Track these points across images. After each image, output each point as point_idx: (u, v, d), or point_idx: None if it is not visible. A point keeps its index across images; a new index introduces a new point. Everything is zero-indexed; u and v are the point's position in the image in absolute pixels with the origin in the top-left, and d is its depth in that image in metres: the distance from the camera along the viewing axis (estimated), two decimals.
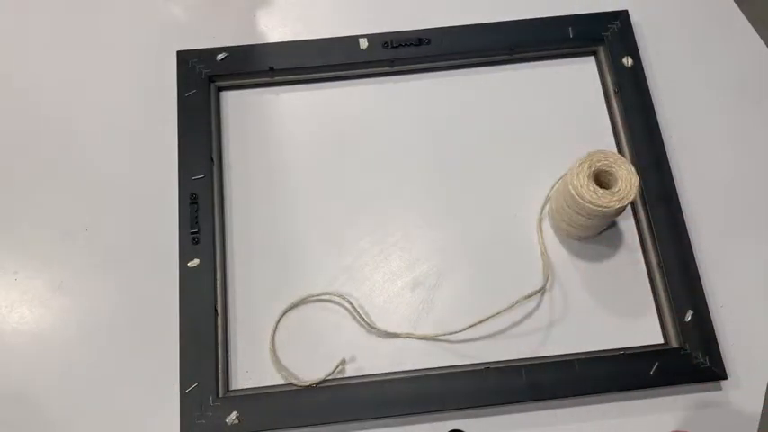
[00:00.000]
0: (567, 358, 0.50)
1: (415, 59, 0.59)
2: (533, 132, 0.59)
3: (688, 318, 0.51)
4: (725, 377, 0.50)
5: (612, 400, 0.50)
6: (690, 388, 0.51)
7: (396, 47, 0.59)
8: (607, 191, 0.47)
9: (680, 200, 0.54)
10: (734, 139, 0.58)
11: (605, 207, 0.46)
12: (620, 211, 0.48)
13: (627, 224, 0.55)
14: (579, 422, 0.50)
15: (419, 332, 0.52)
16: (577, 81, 0.61)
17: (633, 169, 0.47)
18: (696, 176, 0.57)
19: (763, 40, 0.61)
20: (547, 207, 0.55)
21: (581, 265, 0.54)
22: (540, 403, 0.50)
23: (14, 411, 0.50)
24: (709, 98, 0.60)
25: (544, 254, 0.53)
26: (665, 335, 0.52)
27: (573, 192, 0.47)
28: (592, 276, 0.54)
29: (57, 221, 0.55)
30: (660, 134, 0.57)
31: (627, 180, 0.47)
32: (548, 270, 0.53)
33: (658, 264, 0.53)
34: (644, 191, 0.55)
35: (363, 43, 0.59)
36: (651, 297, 0.53)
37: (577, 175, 0.48)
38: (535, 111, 0.59)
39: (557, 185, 0.54)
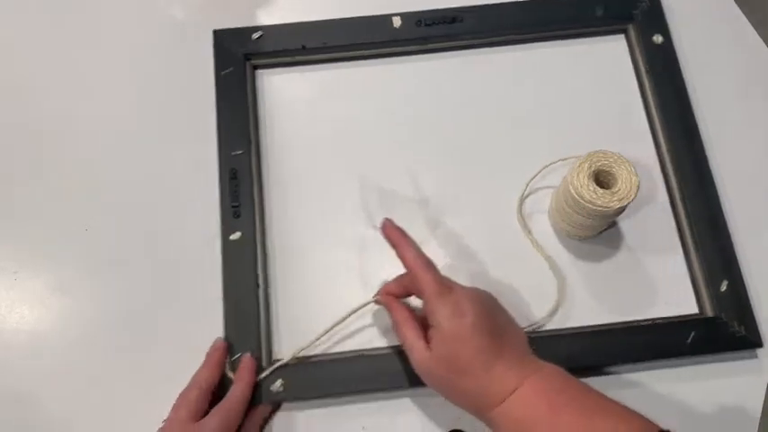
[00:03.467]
0: (606, 328, 0.51)
1: (448, 37, 0.60)
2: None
3: (723, 288, 0.52)
4: (761, 345, 0.50)
5: (651, 369, 0.51)
6: (726, 356, 0.51)
7: (428, 25, 0.59)
8: (607, 191, 0.47)
9: (712, 173, 0.55)
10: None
11: (605, 207, 0.47)
12: (620, 211, 0.48)
13: (627, 224, 0.55)
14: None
15: None
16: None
17: (633, 169, 0.48)
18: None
19: None
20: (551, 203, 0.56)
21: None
22: (578, 372, 0.50)
23: (14, 411, 0.50)
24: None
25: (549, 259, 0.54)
26: (699, 305, 0.53)
27: (573, 192, 0.48)
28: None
29: (57, 221, 0.55)
30: (692, 109, 0.57)
31: (627, 180, 0.47)
32: (562, 282, 0.53)
33: (692, 236, 0.54)
34: (677, 165, 0.55)
35: (396, 21, 0.60)
36: (685, 268, 0.54)
37: (577, 174, 0.48)
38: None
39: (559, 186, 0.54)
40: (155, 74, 0.60)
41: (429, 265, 0.45)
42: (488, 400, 0.41)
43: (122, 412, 0.49)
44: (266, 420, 0.49)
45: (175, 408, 0.45)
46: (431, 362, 0.42)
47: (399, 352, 0.50)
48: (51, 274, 0.54)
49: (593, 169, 0.48)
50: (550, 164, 0.56)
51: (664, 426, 0.38)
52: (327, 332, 0.49)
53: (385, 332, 0.52)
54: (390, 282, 0.49)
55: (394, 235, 0.46)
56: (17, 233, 0.55)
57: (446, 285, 0.44)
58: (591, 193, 0.47)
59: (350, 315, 0.49)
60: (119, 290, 0.53)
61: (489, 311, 0.44)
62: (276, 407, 0.50)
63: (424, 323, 0.45)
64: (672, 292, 0.53)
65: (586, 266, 0.54)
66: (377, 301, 0.49)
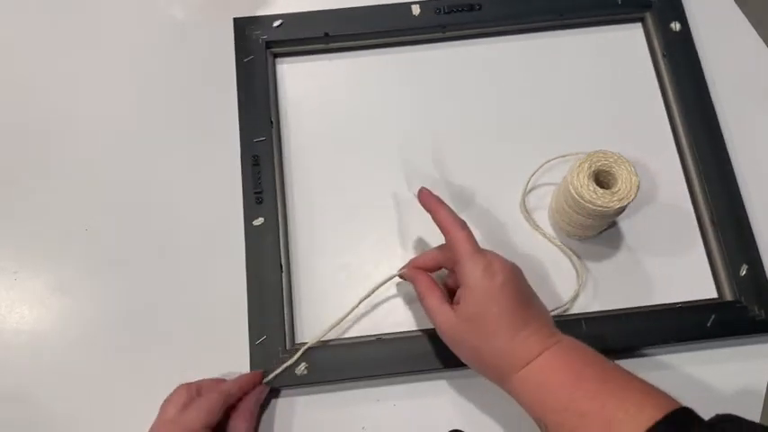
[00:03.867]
0: (626, 312, 0.52)
1: (466, 25, 0.60)
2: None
3: (743, 272, 0.52)
4: None
5: (671, 352, 0.51)
6: (745, 340, 0.51)
7: (447, 12, 0.60)
8: (607, 191, 0.47)
9: (731, 158, 0.55)
10: None
11: (605, 207, 0.47)
12: (621, 211, 0.48)
13: (627, 224, 0.55)
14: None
15: None
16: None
17: (633, 169, 0.48)
18: (747, 135, 0.57)
19: None
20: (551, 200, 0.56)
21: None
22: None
23: (14, 411, 0.50)
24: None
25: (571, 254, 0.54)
26: (719, 290, 0.53)
27: (573, 192, 0.48)
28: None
29: (57, 221, 0.55)
30: (710, 96, 0.58)
31: (627, 180, 0.48)
32: (583, 271, 0.54)
33: (711, 220, 0.54)
34: (696, 150, 0.56)
35: (416, 9, 0.60)
36: (703, 253, 0.54)
37: (577, 174, 0.48)
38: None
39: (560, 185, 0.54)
40: (169, 66, 0.61)
41: (464, 226, 0.45)
42: (511, 364, 0.41)
43: (122, 412, 0.49)
44: (263, 404, 0.49)
45: (199, 411, 0.44)
46: (457, 324, 0.43)
47: (420, 337, 0.50)
48: (51, 274, 0.54)
49: (593, 169, 0.48)
50: (548, 161, 0.56)
51: (684, 404, 0.38)
52: (354, 309, 0.50)
53: (407, 317, 0.52)
54: (418, 256, 0.50)
55: (431, 201, 0.47)
56: (17, 233, 0.55)
57: (479, 247, 0.44)
58: (591, 193, 0.47)
59: (375, 290, 0.50)
60: (119, 290, 0.53)
61: (519, 278, 0.44)
62: (276, 393, 0.50)
63: (448, 292, 0.46)
64: (688, 280, 0.54)
65: (587, 266, 0.54)
66: (401, 276, 0.50)
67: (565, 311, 0.52)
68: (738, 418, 0.36)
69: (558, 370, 0.40)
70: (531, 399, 0.41)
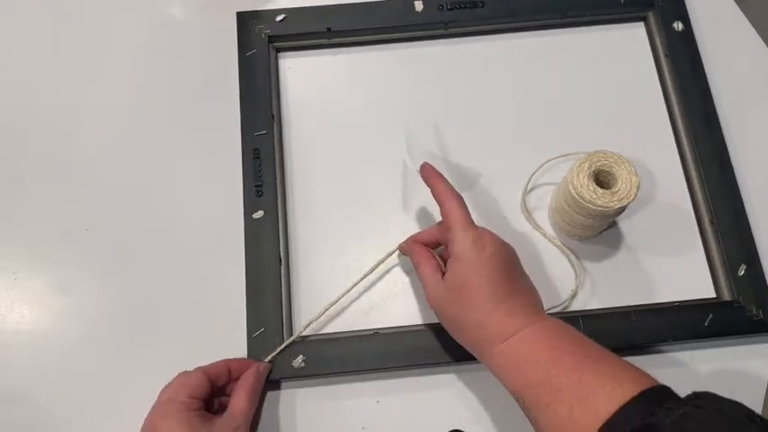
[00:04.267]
0: (624, 310, 0.52)
1: (468, 22, 0.61)
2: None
3: (741, 272, 0.52)
4: None
5: (669, 351, 0.51)
6: (743, 340, 0.52)
7: (450, 9, 0.60)
8: (607, 191, 0.47)
9: (731, 157, 0.56)
10: None
11: (605, 207, 0.47)
12: (621, 211, 0.48)
13: (627, 224, 0.55)
14: None
15: None
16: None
17: (633, 169, 0.48)
18: (748, 135, 0.58)
19: None
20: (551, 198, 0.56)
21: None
22: None
23: (14, 411, 0.50)
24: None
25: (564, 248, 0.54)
26: (717, 289, 0.53)
27: (573, 192, 0.48)
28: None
29: (57, 221, 0.55)
30: (711, 95, 0.58)
31: (627, 180, 0.48)
32: (581, 271, 0.54)
33: (710, 221, 0.54)
34: (696, 150, 0.56)
35: (419, 5, 0.60)
36: (702, 253, 0.54)
37: (577, 174, 0.48)
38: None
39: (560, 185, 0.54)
40: (171, 61, 0.61)
41: (460, 198, 0.46)
42: (490, 337, 0.42)
43: (122, 412, 0.48)
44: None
45: (174, 384, 0.45)
46: (443, 293, 0.44)
47: (420, 331, 0.51)
48: (51, 274, 0.54)
49: (593, 169, 0.48)
50: (548, 161, 0.56)
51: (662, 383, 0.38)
52: (355, 285, 0.51)
53: (406, 311, 0.52)
54: (417, 233, 0.51)
55: (431, 174, 0.48)
56: (17, 233, 0.55)
57: (472, 221, 0.45)
58: (591, 193, 0.47)
59: (378, 266, 0.51)
60: (119, 289, 0.53)
61: (509, 256, 0.45)
62: (274, 386, 0.50)
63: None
64: (686, 280, 0.53)
65: (587, 266, 0.54)
66: (401, 249, 0.51)
67: (564, 309, 0.52)
68: (714, 394, 0.36)
69: (538, 346, 0.40)
70: (509, 373, 0.41)
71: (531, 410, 0.39)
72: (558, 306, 0.52)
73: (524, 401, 0.40)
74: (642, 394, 0.35)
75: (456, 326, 0.45)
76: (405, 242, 0.51)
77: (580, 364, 0.38)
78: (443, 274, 0.45)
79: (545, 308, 0.51)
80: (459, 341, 0.45)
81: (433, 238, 0.49)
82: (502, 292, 0.43)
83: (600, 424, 0.34)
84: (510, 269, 0.44)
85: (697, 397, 0.35)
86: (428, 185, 0.48)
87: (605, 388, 0.36)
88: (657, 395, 0.36)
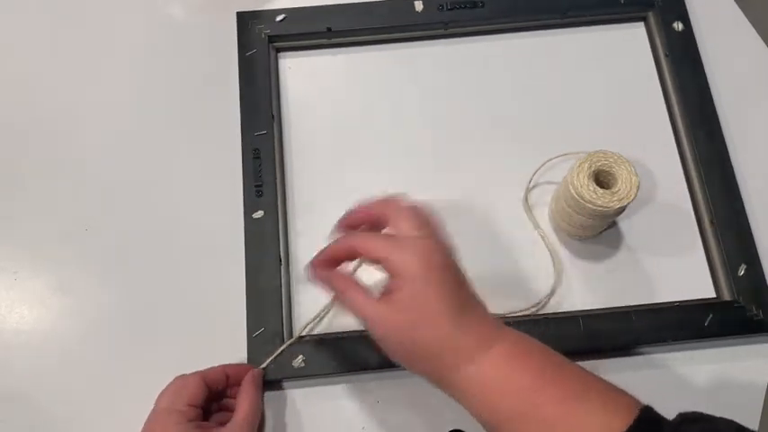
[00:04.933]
0: (624, 310, 0.52)
1: (469, 22, 0.61)
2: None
3: (741, 272, 0.52)
4: None
5: (668, 351, 0.51)
6: (743, 340, 0.52)
7: (450, 9, 0.60)
8: (607, 191, 0.47)
9: (731, 158, 0.56)
10: None
11: (605, 207, 0.47)
12: (621, 211, 0.48)
13: (627, 224, 0.55)
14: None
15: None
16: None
17: (633, 169, 0.48)
18: (748, 136, 0.58)
19: None
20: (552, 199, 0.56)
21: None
22: (594, 353, 0.51)
23: (15, 411, 0.50)
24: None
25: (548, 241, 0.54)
26: (717, 289, 0.53)
27: (573, 192, 0.48)
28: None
29: (57, 221, 0.55)
30: (711, 95, 0.58)
31: (627, 180, 0.48)
32: (559, 266, 0.54)
33: (710, 221, 0.54)
34: (696, 150, 0.56)
35: (418, 5, 0.60)
36: (702, 253, 0.54)
37: (577, 174, 0.48)
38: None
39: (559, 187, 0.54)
40: (171, 61, 0.60)
41: (400, 204, 0.41)
42: (456, 360, 0.36)
43: (122, 412, 0.48)
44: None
45: (166, 391, 0.44)
46: (391, 315, 0.37)
47: None
48: (51, 274, 0.54)
49: (593, 169, 0.48)
50: (549, 160, 0.56)
51: (681, 404, 0.36)
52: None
53: None
54: (343, 218, 0.44)
55: (330, 277, 0.42)
56: (17, 233, 0.55)
57: (418, 228, 0.40)
58: (591, 193, 0.47)
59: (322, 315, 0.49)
60: (119, 289, 0.53)
61: (454, 261, 0.40)
62: (275, 386, 0.50)
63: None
64: (686, 280, 0.53)
65: (587, 266, 0.54)
66: (316, 279, 0.43)
67: (537, 311, 0.52)
68: (702, 415, 0.34)
69: (515, 370, 0.36)
70: (480, 402, 0.36)
71: None
72: (532, 308, 0.52)
73: None
74: (636, 422, 0.33)
75: (409, 350, 0.38)
76: (314, 266, 0.43)
77: (564, 393, 0.35)
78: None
79: (524, 307, 0.52)
80: (413, 370, 0.39)
81: (368, 220, 0.42)
82: (457, 306, 0.37)
83: None
84: (460, 276, 0.39)
85: (686, 419, 0.33)
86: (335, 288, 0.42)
87: (597, 420, 0.33)
88: (648, 421, 0.33)
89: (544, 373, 0.36)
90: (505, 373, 0.36)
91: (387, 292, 0.38)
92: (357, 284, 0.40)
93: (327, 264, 0.42)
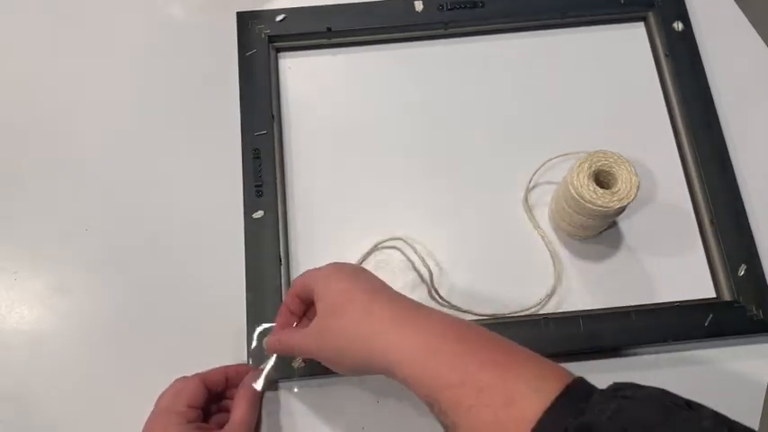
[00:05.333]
0: (624, 310, 0.52)
1: (468, 22, 0.61)
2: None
3: (741, 272, 0.52)
4: None
5: (668, 351, 0.51)
6: (743, 340, 0.51)
7: (450, 9, 0.60)
8: (607, 191, 0.47)
9: (731, 158, 0.56)
10: None
11: (605, 207, 0.47)
12: (621, 211, 0.48)
13: (627, 224, 0.55)
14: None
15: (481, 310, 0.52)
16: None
17: (633, 169, 0.48)
18: (748, 136, 0.58)
19: None
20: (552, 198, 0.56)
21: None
22: (596, 353, 0.51)
23: (15, 411, 0.50)
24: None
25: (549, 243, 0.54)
26: (717, 289, 0.53)
27: (573, 192, 0.48)
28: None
29: (57, 221, 0.55)
30: (711, 95, 0.58)
31: (627, 180, 0.48)
32: (559, 267, 0.54)
33: (710, 221, 0.54)
34: (696, 150, 0.56)
35: (418, 5, 0.60)
36: (702, 253, 0.54)
37: (577, 174, 0.48)
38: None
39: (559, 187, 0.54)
40: (171, 61, 0.61)
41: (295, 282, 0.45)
42: (382, 332, 0.38)
43: (122, 412, 0.49)
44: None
45: (168, 392, 0.45)
46: (318, 334, 0.41)
47: None
48: (51, 274, 0.54)
49: (593, 169, 0.48)
50: (549, 160, 0.56)
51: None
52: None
53: None
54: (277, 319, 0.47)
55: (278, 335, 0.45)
56: (17, 233, 0.55)
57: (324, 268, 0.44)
58: (591, 193, 0.47)
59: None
60: (119, 289, 0.53)
61: (366, 273, 0.43)
62: (274, 386, 0.50)
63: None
64: (687, 280, 0.53)
65: (587, 266, 0.54)
66: (272, 350, 0.47)
67: (537, 311, 0.52)
68: (636, 384, 0.34)
69: (449, 337, 0.37)
70: (421, 377, 0.36)
71: (450, 415, 0.35)
72: (532, 308, 0.52)
73: (440, 405, 0.35)
74: (567, 390, 0.33)
75: (339, 347, 0.40)
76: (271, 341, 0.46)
77: (501, 358, 0.35)
78: None
79: (524, 307, 0.52)
80: (349, 364, 0.41)
81: (296, 305, 0.46)
82: (373, 291, 0.40)
83: (530, 426, 0.31)
84: (374, 278, 0.43)
85: (620, 388, 0.33)
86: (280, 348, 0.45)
87: (530, 385, 0.33)
88: (581, 389, 0.33)
89: (477, 340, 0.37)
90: (441, 342, 0.36)
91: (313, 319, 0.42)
92: (288, 327, 0.46)
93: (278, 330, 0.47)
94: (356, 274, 0.42)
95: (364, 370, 0.40)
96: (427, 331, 0.37)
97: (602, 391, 0.33)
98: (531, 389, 0.33)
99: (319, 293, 0.42)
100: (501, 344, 0.37)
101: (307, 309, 0.47)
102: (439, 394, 0.35)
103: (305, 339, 0.42)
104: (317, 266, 0.45)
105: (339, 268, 0.43)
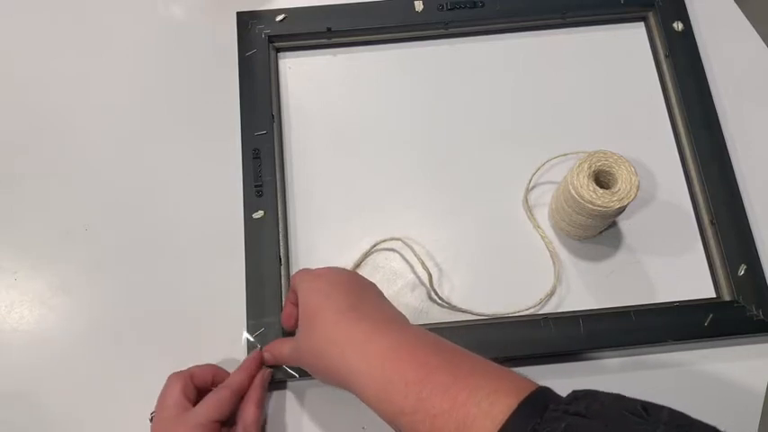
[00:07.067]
0: (623, 310, 0.52)
1: (468, 22, 0.61)
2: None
3: (741, 272, 0.52)
4: None
5: (668, 351, 0.51)
6: (743, 340, 0.51)
7: (450, 9, 0.60)
8: (607, 191, 0.47)
9: (731, 158, 0.56)
10: None
11: (605, 207, 0.47)
12: (621, 211, 0.48)
13: (627, 224, 0.55)
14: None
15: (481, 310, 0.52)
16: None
17: (633, 169, 0.48)
18: (748, 136, 0.58)
19: None
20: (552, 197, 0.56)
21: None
22: (598, 352, 0.51)
23: (15, 411, 0.50)
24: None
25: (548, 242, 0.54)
26: (717, 289, 0.53)
27: (573, 192, 0.48)
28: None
29: (57, 221, 0.55)
30: (711, 95, 0.58)
31: (627, 180, 0.48)
32: (558, 266, 0.54)
33: (710, 221, 0.54)
34: (696, 150, 0.56)
35: (419, 6, 0.60)
36: (702, 253, 0.54)
37: (577, 174, 0.48)
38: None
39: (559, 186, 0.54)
40: (171, 61, 0.61)
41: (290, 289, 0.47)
42: (343, 354, 0.39)
43: (123, 412, 0.49)
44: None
45: (207, 407, 0.44)
46: (298, 342, 0.43)
47: None
48: (51, 274, 0.54)
49: (593, 169, 0.48)
50: (549, 160, 0.56)
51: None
52: None
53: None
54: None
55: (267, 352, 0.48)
56: (17, 233, 0.55)
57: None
58: (591, 193, 0.47)
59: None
60: (119, 288, 0.53)
61: (349, 278, 0.44)
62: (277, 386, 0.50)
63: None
64: (687, 280, 0.53)
65: (587, 266, 0.54)
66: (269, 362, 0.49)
67: (538, 311, 0.52)
68: (589, 391, 0.33)
69: (403, 363, 0.37)
70: (378, 401, 0.37)
71: None
72: (532, 308, 0.52)
73: (400, 428, 0.36)
74: (521, 406, 0.32)
75: (314, 360, 0.41)
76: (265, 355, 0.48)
77: (452, 381, 0.35)
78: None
79: (524, 307, 0.52)
80: (325, 378, 0.42)
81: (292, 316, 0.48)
82: (345, 306, 0.41)
83: None
84: (353, 288, 0.43)
85: (576, 398, 0.33)
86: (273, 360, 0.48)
87: (481, 407, 0.33)
88: (536, 403, 0.33)
89: (430, 363, 0.36)
90: (394, 366, 0.37)
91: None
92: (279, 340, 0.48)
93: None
94: (330, 288, 0.42)
95: (340, 386, 0.41)
96: (383, 358, 0.37)
97: (554, 407, 0.32)
98: (482, 411, 0.33)
99: (299, 303, 0.43)
100: (456, 362, 0.37)
101: None
102: (397, 420, 0.36)
103: (289, 353, 0.45)
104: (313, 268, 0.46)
105: (317, 279, 0.44)
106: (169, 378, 0.45)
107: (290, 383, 0.50)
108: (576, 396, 0.33)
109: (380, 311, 0.42)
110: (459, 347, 0.39)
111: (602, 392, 0.33)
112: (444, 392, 0.34)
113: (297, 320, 0.46)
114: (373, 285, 0.45)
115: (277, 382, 0.49)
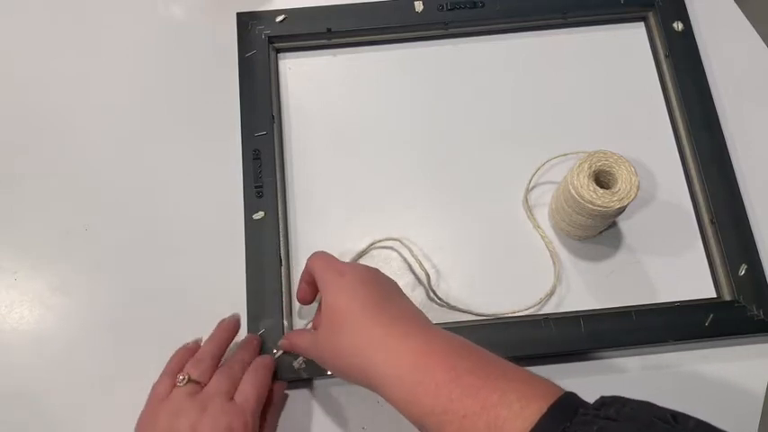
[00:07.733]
0: (624, 310, 0.52)
1: (468, 22, 0.61)
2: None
3: (742, 272, 0.52)
4: None
5: (669, 351, 0.51)
6: (744, 339, 0.51)
7: (450, 9, 0.60)
8: (607, 191, 0.47)
9: (731, 158, 0.56)
10: None
11: (605, 207, 0.47)
12: (621, 211, 0.48)
13: (627, 224, 0.55)
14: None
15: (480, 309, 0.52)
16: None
17: (633, 169, 0.48)
18: (748, 136, 0.58)
19: None
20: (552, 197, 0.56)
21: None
22: (598, 352, 0.51)
23: (15, 411, 0.50)
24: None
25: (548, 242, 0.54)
26: (717, 289, 0.53)
27: (573, 192, 0.48)
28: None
29: (57, 221, 0.55)
30: (711, 95, 0.58)
31: (627, 180, 0.48)
32: (558, 265, 0.54)
33: (711, 220, 0.54)
34: (696, 150, 0.56)
35: (419, 6, 0.60)
36: (702, 253, 0.54)
37: (577, 174, 0.48)
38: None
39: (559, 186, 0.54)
40: (171, 62, 0.61)
41: (317, 254, 0.47)
42: (373, 355, 0.39)
43: (123, 412, 0.48)
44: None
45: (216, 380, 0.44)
46: (318, 336, 0.43)
47: None
48: (51, 274, 0.54)
49: (593, 169, 0.48)
50: (548, 160, 0.56)
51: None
52: None
53: None
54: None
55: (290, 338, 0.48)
56: (17, 233, 0.55)
57: (335, 262, 0.45)
58: (591, 193, 0.47)
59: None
60: (119, 289, 0.53)
61: (376, 278, 0.44)
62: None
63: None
64: (687, 280, 0.53)
65: (587, 266, 0.54)
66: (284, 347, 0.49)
67: (537, 311, 0.52)
68: (623, 398, 0.33)
69: (433, 365, 0.37)
70: (406, 401, 0.37)
71: None
72: (532, 308, 0.52)
73: (427, 428, 0.36)
74: (551, 409, 0.33)
75: (336, 359, 0.41)
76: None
77: (481, 383, 0.35)
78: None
79: (524, 307, 0.52)
80: (345, 376, 0.42)
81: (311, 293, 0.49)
82: (372, 306, 0.41)
83: None
84: (378, 289, 0.43)
85: (605, 404, 0.33)
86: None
87: (512, 409, 0.33)
88: (565, 407, 0.33)
89: (460, 366, 0.37)
90: (425, 372, 0.37)
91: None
92: (301, 331, 0.48)
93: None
94: (355, 288, 0.42)
95: (361, 385, 0.41)
96: (414, 361, 0.38)
97: (584, 411, 0.33)
98: (513, 413, 0.33)
99: (323, 302, 0.43)
100: (485, 365, 0.37)
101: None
102: (424, 420, 0.36)
103: (310, 346, 0.45)
104: (333, 256, 0.46)
105: (341, 276, 0.43)
106: (172, 356, 0.47)
107: (289, 385, 0.50)
108: (605, 402, 0.33)
109: (405, 311, 0.42)
110: (484, 350, 0.39)
111: (631, 399, 0.33)
112: (475, 394, 0.35)
113: (313, 297, 0.48)
114: (395, 283, 0.45)
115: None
